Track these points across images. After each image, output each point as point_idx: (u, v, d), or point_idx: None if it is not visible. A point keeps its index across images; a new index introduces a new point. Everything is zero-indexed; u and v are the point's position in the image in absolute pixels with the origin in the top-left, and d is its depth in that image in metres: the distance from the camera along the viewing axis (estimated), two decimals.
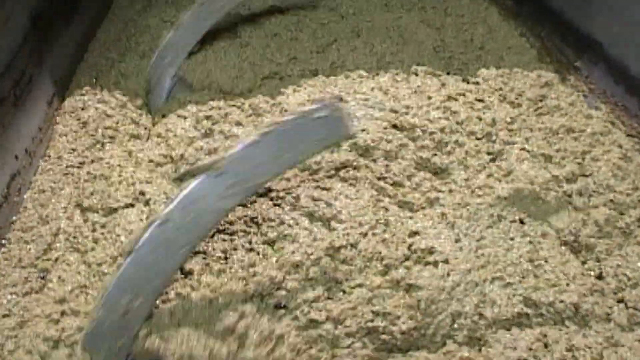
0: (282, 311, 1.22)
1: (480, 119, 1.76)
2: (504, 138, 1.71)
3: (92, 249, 1.45)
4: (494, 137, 1.71)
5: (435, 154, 1.63)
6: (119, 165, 1.66)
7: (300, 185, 1.51)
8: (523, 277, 1.35)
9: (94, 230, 1.49)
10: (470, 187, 1.55)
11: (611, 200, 1.53)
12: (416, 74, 1.96)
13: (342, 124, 1.24)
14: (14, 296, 1.33)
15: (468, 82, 1.95)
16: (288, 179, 1.55)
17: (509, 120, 1.76)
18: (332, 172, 1.55)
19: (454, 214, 1.47)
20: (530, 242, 1.43)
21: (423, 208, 1.50)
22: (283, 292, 1.25)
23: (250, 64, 2.02)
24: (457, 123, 1.73)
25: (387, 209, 1.46)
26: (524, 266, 1.37)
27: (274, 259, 1.30)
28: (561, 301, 1.32)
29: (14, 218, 1.55)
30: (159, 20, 2.28)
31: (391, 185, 1.53)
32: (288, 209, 1.44)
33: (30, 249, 1.45)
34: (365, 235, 1.38)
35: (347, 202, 1.45)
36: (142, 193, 1.57)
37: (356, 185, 1.51)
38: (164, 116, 1.86)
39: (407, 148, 1.62)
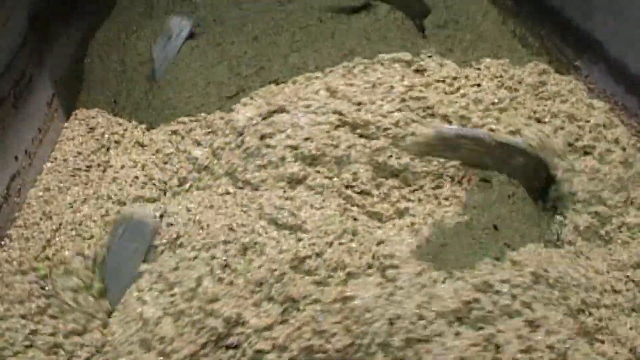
0: (231, 351, 1.21)
1: (455, 102, 1.66)
2: (476, 121, 1.61)
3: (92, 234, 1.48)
4: (464, 122, 1.62)
5: (390, 155, 1.55)
6: (125, 171, 1.69)
7: (263, 195, 1.49)
8: (480, 270, 1.26)
9: (105, 215, 1.52)
10: (438, 197, 1.50)
11: (596, 212, 1.46)
12: (382, 63, 1.85)
13: (149, 225, 1.41)
14: (22, 320, 1.31)
15: (471, 66, 1.89)
16: (256, 187, 1.54)
17: (495, 102, 1.69)
18: (284, 183, 1.52)
19: (423, 223, 1.42)
20: (507, 244, 1.36)
21: (392, 218, 1.46)
22: (238, 329, 1.23)
23: (217, 84, 1.96)
24: (425, 109, 1.64)
25: (355, 219, 1.43)
26: (486, 260, 1.29)
27: (241, 280, 1.29)
28: (520, 276, 1.22)
29: (16, 215, 1.57)
30: (161, 22, 2.28)
31: (358, 194, 1.49)
32: (255, 217, 1.43)
33: (30, 249, 1.46)
34: (331, 244, 1.35)
35: (312, 211, 1.42)
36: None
37: (323, 194, 1.48)
38: (152, 126, 1.88)
39: (358, 149, 1.55)
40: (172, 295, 1.29)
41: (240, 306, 1.25)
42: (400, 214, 1.47)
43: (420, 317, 1.18)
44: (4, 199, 1.54)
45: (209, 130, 1.76)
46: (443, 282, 1.25)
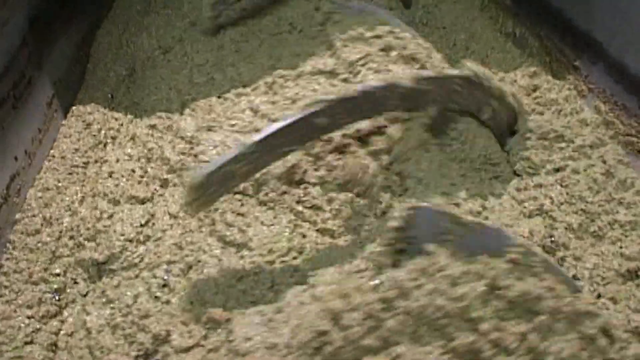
0: None
1: None
2: None
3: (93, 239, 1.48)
4: None
5: (306, 170, 1.53)
6: (120, 165, 1.69)
7: (218, 208, 1.49)
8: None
9: (99, 219, 1.52)
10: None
11: (582, 210, 1.49)
12: (302, 77, 1.78)
13: None
14: (27, 320, 1.35)
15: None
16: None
17: None
18: (240, 196, 1.51)
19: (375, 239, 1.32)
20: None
21: (344, 235, 1.41)
22: (164, 347, 1.24)
23: (177, 90, 1.94)
24: None
25: (304, 236, 1.41)
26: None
27: (176, 298, 1.30)
28: (367, 304, 1.03)
29: (17, 217, 1.58)
30: (162, 21, 2.29)
31: (309, 208, 1.46)
32: (206, 233, 1.44)
33: (37, 260, 1.47)
34: (272, 262, 1.34)
35: (261, 228, 1.41)
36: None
37: (274, 209, 1.47)
38: (141, 117, 1.89)
39: (277, 165, 1.50)
40: (112, 308, 1.33)
41: (170, 324, 1.26)
42: (354, 230, 1.42)
43: (289, 350, 1.07)
44: (3, 199, 1.55)
45: (172, 134, 1.78)
46: (319, 299, 1.13)
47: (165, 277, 1.37)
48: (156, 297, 1.33)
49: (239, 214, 1.46)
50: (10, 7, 1.71)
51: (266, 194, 1.50)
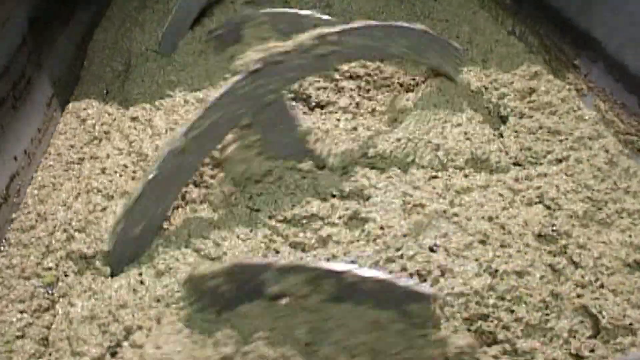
0: None
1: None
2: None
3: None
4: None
5: (248, 199, 1.53)
6: (112, 160, 1.70)
7: (192, 223, 1.48)
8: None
9: (92, 212, 1.53)
10: (365, 229, 1.43)
11: (588, 197, 1.51)
12: None
13: None
14: (19, 314, 1.35)
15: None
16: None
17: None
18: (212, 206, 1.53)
19: (343, 251, 1.37)
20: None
21: (315, 248, 1.42)
22: (126, 342, 1.25)
23: (157, 88, 1.98)
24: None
25: (277, 251, 1.40)
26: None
27: (147, 296, 1.32)
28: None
29: (14, 215, 1.58)
30: (156, 16, 2.29)
31: (281, 222, 1.46)
32: (182, 242, 1.44)
33: (30, 255, 1.47)
34: None
35: (237, 242, 1.42)
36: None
37: (248, 222, 1.47)
38: (128, 109, 1.90)
39: (218, 177, 1.56)
40: (96, 299, 1.33)
41: (140, 319, 1.27)
42: (324, 242, 1.42)
43: None
44: (3, 199, 1.55)
45: (150, 128, 1.79)
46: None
47: (140, 272, 1.38)
48: (135, 290, 1.34)
49: (215, 227, 1.47)
50: (10, 6, 1.71)
51: (239, 206, 1.50)
